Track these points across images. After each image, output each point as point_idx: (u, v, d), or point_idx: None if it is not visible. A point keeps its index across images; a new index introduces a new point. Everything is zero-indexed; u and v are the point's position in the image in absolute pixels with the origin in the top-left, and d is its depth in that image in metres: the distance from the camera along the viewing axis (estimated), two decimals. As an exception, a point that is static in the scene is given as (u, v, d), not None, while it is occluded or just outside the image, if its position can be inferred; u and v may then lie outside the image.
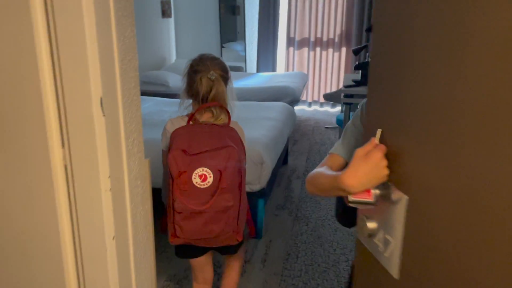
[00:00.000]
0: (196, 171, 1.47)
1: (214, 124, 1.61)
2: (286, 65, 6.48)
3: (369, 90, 0.91)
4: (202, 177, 1.47)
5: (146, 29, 5.55)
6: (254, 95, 4.88)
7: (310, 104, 6.61)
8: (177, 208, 1.52)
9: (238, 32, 6.68)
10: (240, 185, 1.58)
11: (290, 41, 6.37)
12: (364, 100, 1.15)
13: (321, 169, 1.08)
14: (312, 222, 3.11)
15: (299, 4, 6.15)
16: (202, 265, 1.82)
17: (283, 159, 3.91)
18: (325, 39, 6.25)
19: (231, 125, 1.65)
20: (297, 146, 4.82)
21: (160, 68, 5.74)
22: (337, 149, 1.16)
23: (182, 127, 1.58)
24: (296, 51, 6.39)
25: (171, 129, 1.62)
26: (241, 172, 1.56)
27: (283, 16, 6.30)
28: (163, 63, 6.02)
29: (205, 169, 1.48)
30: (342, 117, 4.37)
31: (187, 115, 1.68)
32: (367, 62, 3.99)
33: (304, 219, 3.16)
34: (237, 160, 1.52)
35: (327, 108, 6.58)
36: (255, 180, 2.73)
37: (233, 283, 1.93)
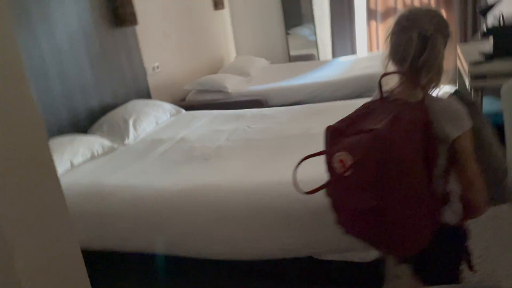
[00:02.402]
0: (337, 153, 1.19)
1: (402, 100, 1.23)
2: (369, 44, 5.24)
3: None
4: (342, 162, 1.16)
5: (197, 26, 4.67)
6: (334, 91, 3.78)
7: (403, 89, 5.32)
8: None
9: (304, 14, 5.57)
10: (388, 180, 1.12)
11: (371, 14, 5.12)
12: None
13: None
14: None
15: (377, -35, 4.89)
16: None
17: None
18: (417, 4, 4.92)
19: (437, 102, 1.21)
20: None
21: (218, 70, 4.83)
22: None
23: (369, 103, 1.32)
24: (379, 25, 5.13)
25: None
26: (389, 163, 1.11)
27: (359, -16, 5.08)
28: (220, 64, 5.12)
29: (344, 153, 1.16)
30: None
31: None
32: (506, 26, 2.70)
33: None
34: (378, 148, 1.11)
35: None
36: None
37: None
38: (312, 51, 5.55)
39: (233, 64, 4.87)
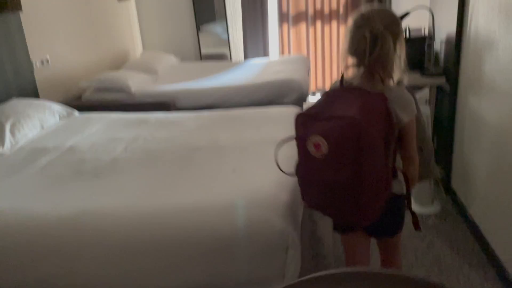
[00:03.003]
0: (310, 138, 1.29)
1: (364, 90, 1.35)
2: (281, 47, 5.19)
3: None
4: (316, 146, 1.28)
5: (98, 17, 4.20)
6: (246, 95, 3.61)
7: (313, 94, 5.35)
8: None
9: (216, 10, 5.35)
10: (359, 160, 1.25)
11: (283, 17, 5.06)
12: None
13: None
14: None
15: (291, -32, 4.84)
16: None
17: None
18: (326, 11, 4.96)
19: (392, 92, 1.34)
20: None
21: (121, 66, 4.40)
22: None
23: (332, 91, 1.44)
24: (291, 29, 5.10)
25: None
26: (361, 146, 1.23)
27: (272, -15, 4.99)
28: (125, 60, 4.68)
29: (319, 138, 1.27)
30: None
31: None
32: (412, 39, 2.74)
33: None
34: (353, 134, 1.23)
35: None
36: (274, 275, 1.52)
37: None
38: (224, 51, 5.34)
39: (138, 60, 4.48)
